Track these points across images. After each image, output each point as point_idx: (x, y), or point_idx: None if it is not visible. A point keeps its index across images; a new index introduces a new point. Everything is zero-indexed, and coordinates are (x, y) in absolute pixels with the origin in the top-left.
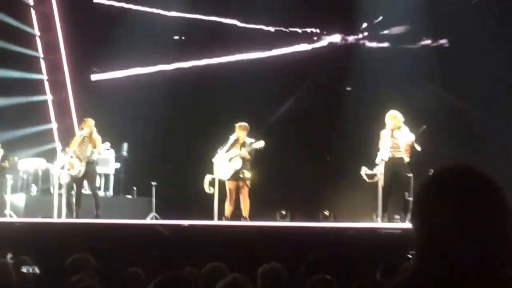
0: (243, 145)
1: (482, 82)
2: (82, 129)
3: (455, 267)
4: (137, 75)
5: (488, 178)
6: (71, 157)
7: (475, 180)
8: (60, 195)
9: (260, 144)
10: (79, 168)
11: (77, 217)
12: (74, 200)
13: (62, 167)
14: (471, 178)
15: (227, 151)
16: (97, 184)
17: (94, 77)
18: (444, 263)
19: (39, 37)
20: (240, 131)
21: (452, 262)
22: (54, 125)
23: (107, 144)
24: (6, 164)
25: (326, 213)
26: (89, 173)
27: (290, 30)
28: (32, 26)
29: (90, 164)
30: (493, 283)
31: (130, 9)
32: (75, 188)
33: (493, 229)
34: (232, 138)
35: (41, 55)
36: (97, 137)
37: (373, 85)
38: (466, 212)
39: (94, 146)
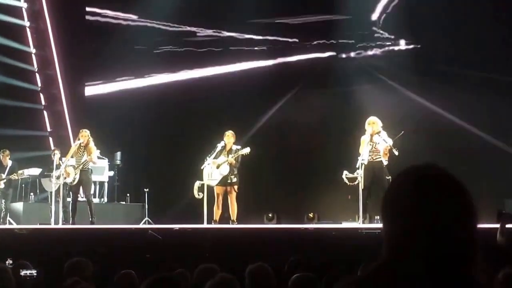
0: (230, 152)
1: (458, 87)
2: (79, 139)
3: (420, 265)
4: (130, 87)
5: (450, 175)
6: (67, 165)
7: (438, 178)
8: (57, 202)
9: (246, 150)
10: (74, 176)
11: (73, 223)
12: (70, 207)
13: (58, 176)
14: (434, 176)
15: (215, 158)
16: (92, 192)
17: (88, 90)
18: (409, 261)
19: (35, 54)
20: (228, 138)
21: (417, 260)
22: (49, 132)
23: (98, 152)
24: (15, 176)
25: (311, 215)
26: (84, 181)
27: (274, 40)
28: (27, 44)
29: (85, 172)
30: (457, 281)
31: (120, 24)
32: (71, 195)
33: (458, 227)
34: (219, 145)
35: (36, 69)
36: (92, 147)
37: (355, 92)
38: (428, 210)
39: (89, 155)
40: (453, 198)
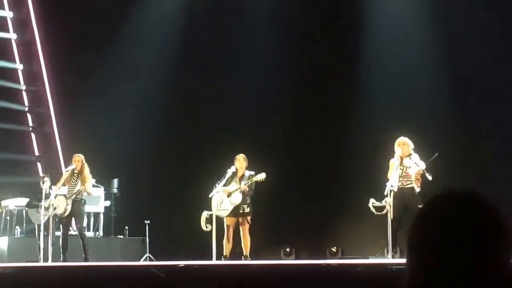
0: (242, 178)
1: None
2: (72, 165)
3: None
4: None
5: (490, 205)
6: (57, 195)
7: (473, 207)
8: (46, 236)
9: (261, 176)
10: (65, 207)
11: (64, 260)
12: (60, 242)
13: (47, 207)
14: (467, 205)
15: (225, 185)
16: (85, 224)
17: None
18: None
19: (22, 70)
20: (239, 163)
21: None
22: (37, 157)
23: (93, 181)
24: None
25: (334, 249)
26: (76, 212)
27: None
28: (13, 59)
29: (77, 203)
30: None
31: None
32: (61, 228)
33: (490, 260)
34: (230, 171)
35: (23, 87)
36: (87, 175)
37: (382, 110)
38: (458, 243)
39: (83, 184)
40: (491, 233)
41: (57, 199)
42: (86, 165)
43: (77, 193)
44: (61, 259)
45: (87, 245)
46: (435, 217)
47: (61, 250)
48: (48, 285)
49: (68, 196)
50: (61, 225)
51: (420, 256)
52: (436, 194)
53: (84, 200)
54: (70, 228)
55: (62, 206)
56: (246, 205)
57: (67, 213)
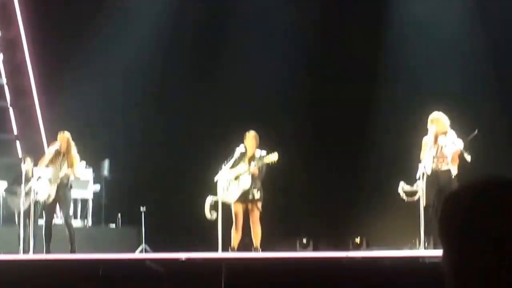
0: (252, 158)
1: None
2: (56, 144)
3: None
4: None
5: None
6: (39, 178)
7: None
8: (26, 225)
9: (273, 157)
10: (49, 192)
11: (48, 252)
12: (43, 231)
13: (28, 192)
14: (505, 192)
15: (233, 166)
16: (71, 212)
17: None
18: None
19: None
20: (249, 141)
21: None
22: (15, 135)
23: (83, 163)
24: None
25: (357, 240)
26: (62, 198)
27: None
28: None
29: (63, 188)
30: None
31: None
32: (44, 216)
33: None
34: (238, 150)
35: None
36: (75, 155)
37: (414, 82)
38: (495, 234)
39: (70, 166)
40: None
41: (39, 183)
42: (73, 144)
43: (63, 177)
44: (44, 251)
45: (74, 235)
46: (465, 208)
47: (44, 240)
48: (29, 280)
49: (52, 180)
50: (43, 213)
51: (470, 248)
52: (472, 179)
53: (71, 185)
54: (55, 215)
55: (45, 191)
56: (257, 190)
57: (51, 199)
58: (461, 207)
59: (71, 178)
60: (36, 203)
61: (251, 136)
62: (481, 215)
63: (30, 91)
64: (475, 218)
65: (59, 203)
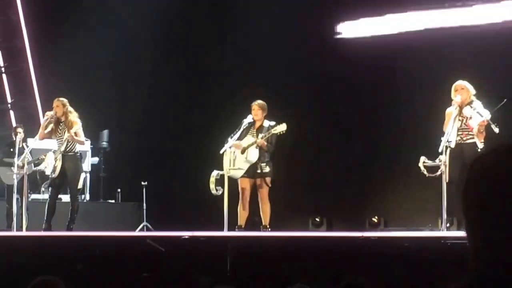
0: (260, 130)
1: None
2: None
3: None
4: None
5: None
6: (49, 152)
7: None
8: (18, 200)
9: (281, 128)
10: (53, 164)
11: (47, 228)
12: (46, 205)
13: (22, 164)
14: None
15: (240, 139)
16: (80, 186)
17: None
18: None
19: None
20: (259, 111)
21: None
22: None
23: (80, 124)
24: None
25: (375, 219)
26: (70, 171)
27: None
28: None
29: (70, 158)
30: None
31: None
32: (50, 191)
33: None
34: (246, 121)
35: None
36: (75, 120)
37: (435, 49)
38: None
39: (74, 134)
40: None
41: (47, 156)
42: (71, 109)
43: (67, 146)
44: (44, 227)
45: (76, 213)
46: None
47: (46, 216)
48: (21, 258)
49: (57, 151)
50: (50, 187)
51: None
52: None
53: (80, 154)
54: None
55: (50, 164)
56: (265, 164)
57: (57, 172)
58: (486, 172)
59: (76, 146)
60: (30, 176)
61: (255, 107)
62: (508, 179)
63: (25, 54)
64: (501, 183)
65: (67, 176)
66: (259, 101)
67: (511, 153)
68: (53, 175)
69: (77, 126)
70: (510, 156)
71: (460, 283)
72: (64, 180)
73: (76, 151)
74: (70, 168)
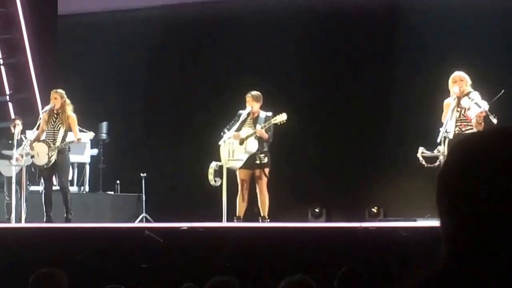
0: (257, 120)
1: None
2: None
3: (488, 266)
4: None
5: None
6: (36, 141)
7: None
8: (17, 191)
9: (282, 117)
10: (49, 157)
11: (48, 220)
12: (43, 198)
13: (20, 156)
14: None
15: (238, 129)
16: (70, 177)
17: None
18: (473, 261)
19: None
20: (254, 102)
21: (484, 260)
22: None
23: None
24: None
25: (374, 209)
26: (59, 163)
27: None
28: None
29: (62, 151)
30: None
31: None
32: (43, 183)
33: None
34: (244, 112)
35: None
36: (71, 114)
37: (434, 38)
38: (498, 189)
39: (67, 128)
40: None
41: (37, 146)
42: (68, 102)
43: (62, 139)
44: (45, 219)
45: (70, 203)
46: (467, 162)
47: (44, 208)
48: (20, 250)
49: (51, 144)
50: (42, 178)
51: (458, 213)
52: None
53: (69, 147)
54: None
55: (43, 155)
56: (263, 154)
57: (50, 165)
58: (465, 156)
59: (70, 140)
60: (28, 167)
61: (249, 99)
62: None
63: (24, 45)
64: (479, 168)
65: (56, 169)
66: (253, 92)
67: (492, 139)
68: (47, 167)
69: (75, 123)
70: (492, 141)
71: (431, 268)
72: (54, 171)
73: (67, 145)
74: (60, 160)
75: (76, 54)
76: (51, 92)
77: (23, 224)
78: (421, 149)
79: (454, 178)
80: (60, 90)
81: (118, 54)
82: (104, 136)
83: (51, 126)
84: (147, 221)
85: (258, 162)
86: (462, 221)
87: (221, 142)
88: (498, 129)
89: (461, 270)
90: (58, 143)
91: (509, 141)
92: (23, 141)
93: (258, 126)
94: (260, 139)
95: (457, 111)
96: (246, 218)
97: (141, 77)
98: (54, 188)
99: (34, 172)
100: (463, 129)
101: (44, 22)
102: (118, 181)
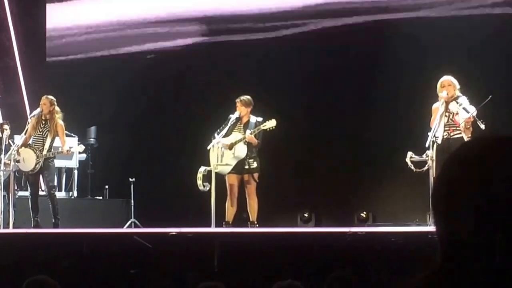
0: (247, 125)
1: None
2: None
3: (478, 272)
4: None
5: None
6: (23, 146)
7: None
8: (4, 197)
9: (271, 123)
10: (35, 163)
11: (36, 225)
12: (30, 204)
13: (8, 161)
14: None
15: (227, 135)
16: (55, 182)
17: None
18: (465, 267)
19: None
20: (242, 107)
21: (476, 267)
22: None
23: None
24: None
25: (363, 214)
26: (45, 168)
27: None
28: None
29: (48, 158)
30: None
31: None
32: (29, 188)
33: None
34: (233, 116)
35: None
36: (60, 123)
37: (421, 43)
38: (491, 197)
39: (56, 135)
40: None
41: (23, 152)
42: (57, 109)
43: (49, 146)
44: (32, 225)
45: (57, 208)
46: (460, 170)
47: (32, 214)
48: (8, 256)
49: (37, 150)
50: (28, 184)
51: (452, 218)
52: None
53: (54, 154)
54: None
55: (31, 161)
56: (253, 160)
57: (36, 170)
58: (460, 164)
59: (58, 150)
60: (15, 173)
61: (239, 105)
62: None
63: (11, 46)
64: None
65: (42, 174)
66: (243, 97)
67: (489, 145)
68: (32, 172)
69: (63, 132)
70: (489, 147)
71: (427, 272)
72: (39, 176)
73: (53, 152)
74: (45, 165)
75: (65, 59)
76: (42, 97)
77: (11, 230)
78: (409, 153)
79: (450, 183)
80: (50, 97)
81: (107, 59)
82: (92, 141)
83: (39, 132)
84: (136, 226)
85: (247, 167)
86: (458, 224)
87: (210, 147)
88: (495, 136)
89: (457, 274)
90: (45, 151)
91: (505, 148)
92: (11, 146)
93: (248, 132)
94: (249, 145)
95: (446, 116)
96: (235, 223)
97: (130, 82)
98: (40, 193)
99: (19, 177)
100: (452, 134)
101: (32, 26)
102: (106, 186)
